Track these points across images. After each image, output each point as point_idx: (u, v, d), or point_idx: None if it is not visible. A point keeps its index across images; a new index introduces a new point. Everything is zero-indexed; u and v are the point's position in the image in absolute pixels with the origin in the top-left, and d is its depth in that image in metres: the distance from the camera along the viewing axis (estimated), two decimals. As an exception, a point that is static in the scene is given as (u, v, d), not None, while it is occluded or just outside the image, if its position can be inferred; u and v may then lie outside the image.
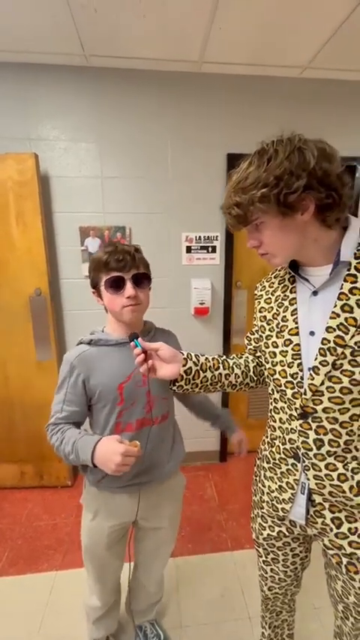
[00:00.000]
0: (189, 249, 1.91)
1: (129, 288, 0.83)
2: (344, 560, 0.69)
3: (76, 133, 1.73)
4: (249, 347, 0.88)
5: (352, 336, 0.60)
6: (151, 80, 1.71)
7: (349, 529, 0.68)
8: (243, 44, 1.53)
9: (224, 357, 0.84)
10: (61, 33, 1.44)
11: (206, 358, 0.80)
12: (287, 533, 0.81)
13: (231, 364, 0.83)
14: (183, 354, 0.76)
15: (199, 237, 1.90)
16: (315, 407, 0.65)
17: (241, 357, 0.87)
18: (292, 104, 1.80)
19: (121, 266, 0.83)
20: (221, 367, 0.80)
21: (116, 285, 0.83)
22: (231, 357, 0.85)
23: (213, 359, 0.81)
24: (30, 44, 1.52)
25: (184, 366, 0.74)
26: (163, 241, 1.89)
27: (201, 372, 0.77)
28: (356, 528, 0.67)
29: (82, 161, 1.76)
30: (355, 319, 0.60)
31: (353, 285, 0.61)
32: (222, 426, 1.09)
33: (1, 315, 1.79)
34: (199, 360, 0.77)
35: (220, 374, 0.80)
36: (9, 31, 1.43)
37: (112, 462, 0.73)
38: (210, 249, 1.92)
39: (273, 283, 0.79)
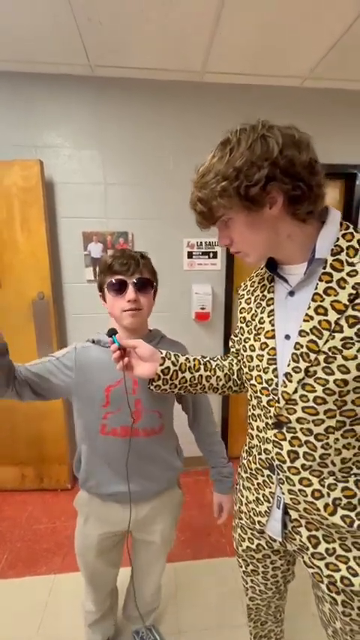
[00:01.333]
0: (190, 255, 1.93)
1: (130, 292, 0.83)
2: (325, 581, 0.63)
3: (80, 140, 1.76)
4: (232, 349, 0.84)
5: (326, 340, 0.54)
6: (154, 89, 1.74)
7: (327, 550, 0.62)
8: (244, 54, 1.56)
9: (207, 358, 0.80)
10: (67, 44, 1.48)
11: (187, 359, 0.76)
12: (266, 547, 0.77)
13: (213, 366, 0.79)
14: (162, 353, 0.73)
15: (201, 242, 1.92)
16: (289, 416, 0.60)
17: (225, 360, 0.83)
18: (293, 113, 1.83)
19: (125, 269, 0.83)
20: (202, 369, 0.77)
21: (118, 288, 0.84)
22: (215, 359, 0.81)
23: (194, 360, 0.77)
24: (37, 55, 1.56)
25: (161, 365, 0.71)
26: (164, 247, 1.91)
27: (179, 372, 0.73)
28: (334, 549, 0.61)
29: (86, 168, 1.79)
30: (329, 322, 0.54)
31: (328, 284, 0.55)
32: (213, 476, 1.02)
33: (4, 317, 1.82)
34: (177, 360, 0.74)
35: (201, 375, 0.76)
36: (17, 42, 1.47)
37: None
38: (211, 254, 1.94)
39: (254, 282, 0.74)
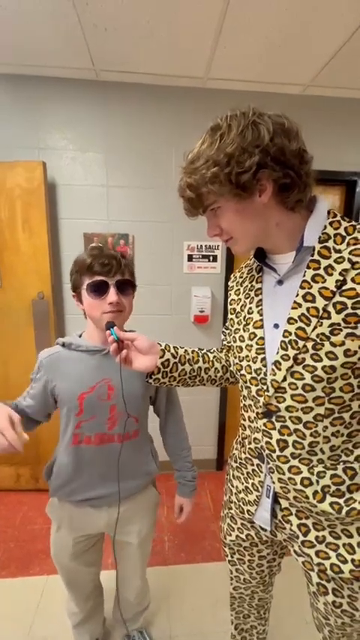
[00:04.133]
0: (190, 258, 1.94)
1: (112, 294, 0.78)
2: (315, 569, 0.64)
3: (84, 143, 1.78)
4: (224, 342, 0.84)
5: (314, 327, 0.54)
6: (157, 94, 1.76)
7: (317, 537, 0.62)
8: (247, 62, 1.58)
9: (204, 350, 0.80)
10: (72, 49, 1.51)
11: (185, 350, 0.75)
12: (255, 537, 0.77)
13: (211, 358, 0.78)
14: (161, 345, 0.72)
15: (201, 246, 1.93)
16: (278, 405, 0.60)
17: (221, 352, 0.83)
18: (294, 120, 1.84)
19: (106, 270, 0.78)
20: (201, 360, 0.76)
21: (99, 289, 0.79)
22: (211, 351, 0.81)
23: (193, 352, 0.76)
24: (43, 59, 1.58)
25: (161, 357, 0.70)
26: (165, 249, 1.92)
27: (179, 364, 0.72)
28: (324, 537, 0.61)
29: (89, 170, 1.81)
30: (317, 309, 0.54)
31: (316, 272, 0.55)
32: (177, 479, 1.01)
33: (4, 317, 1.83)
34: (177, 352, 0.73)
35: (200, 367, 0.75)
36: (24, 46, 1.50)
37: None
38: (211, 258, 1.95)
39: (243, 273, 0.74)
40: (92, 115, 1.76)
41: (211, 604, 1.36)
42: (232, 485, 0.79)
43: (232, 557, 0.84)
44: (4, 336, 1.85)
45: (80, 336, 0.91)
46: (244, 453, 0.73)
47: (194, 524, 1.76)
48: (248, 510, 0.72)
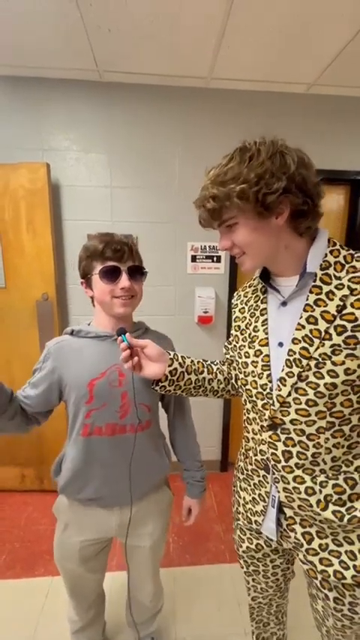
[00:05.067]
0: (194, 258, 1.94)
1: (124, 279, 0.79)
2: (319, 577, 0.66)
3: (87, 144, 1.79)
4: (226, 356, 0.87)
5: (317, 348, 0.59)
6: (161, 94, 1.76)
7: (320, 545, 0.65)
8: (251, 61, 1.57)
9: (209, 361, 0.83)
10: (76, 50, 1.51)
11: (192, 361, 0.78)
12: (265, 546, 0.79)
13: (214, 369, 0.82)
14: (170, 354, 0.75)
15: (205, 246, 1.93)
16: (283, 418, 0.64)
17: (223, 364, 0.86)
18: (298, 120, 1.84)
19: (119, 256, 0.79)
20: (205, 371, 0.79)
21: (111, 275, 0.79)
22: (215, 363, 0.85)
23: (198, 362, 0.80)
24: (46, 60, 1.58)
25: (169, 366, 0.73)
26: (168, 250, 1.92)
27: (186, 374, 0.75)
28: (327, 545, 0.64)
29: (92, 171, 1.81)
30: (319, 331, 0.59)
31: (318, 296, 0.60)
32: (186, 479, 0.99)
33: (9, 318, 1.83)
34: (184, 362, 0.76)
35: (204, 378, 0.79)
36: (27, 48, 1.50)
37: None
38: (215, 258, 1.95)
39: (247, 293, 0.78)
40: (95, 115, 1.76)
41: (217, 606, 1.36)
42: (240, 497, 0.80)
43: (247, 568, 0.86)
44: (8, 337, 1.85)
45: (88, 324, 0.90)
46: (251, 465, 0.75)
47: (199, 525, 1.76)
48: (256, 521, 0.75)
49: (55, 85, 1.71)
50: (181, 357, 0.77)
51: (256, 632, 1.00)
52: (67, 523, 0.90)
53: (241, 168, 0.57)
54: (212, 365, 0.82)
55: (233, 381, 0.83)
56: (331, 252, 0.61)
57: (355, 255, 0.60)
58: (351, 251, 0.61)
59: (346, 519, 0.61)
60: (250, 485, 0.76)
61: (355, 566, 0.62)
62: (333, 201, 2.01)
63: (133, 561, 0.99)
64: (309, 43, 1.45)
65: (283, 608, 0.96)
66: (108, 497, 0.86)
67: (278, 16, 1.29)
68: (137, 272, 0.84)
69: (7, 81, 1.70)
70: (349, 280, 0.58)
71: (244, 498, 0.79)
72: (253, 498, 0.75)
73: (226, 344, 0.88)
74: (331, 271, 0.60)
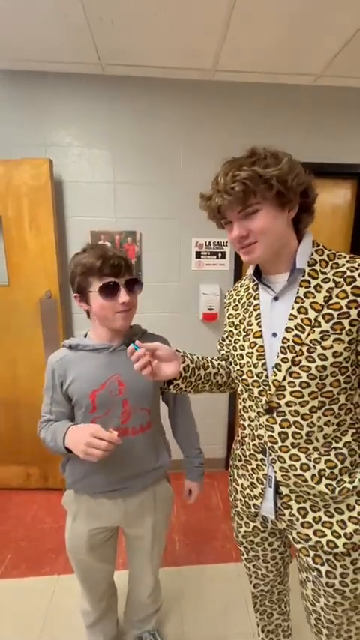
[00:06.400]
0: (199, 255, 1.91)
1: (123, 294, 0.82)
2: (311, 553, 0.72)
3: (90, 139, 1.76)
4: (221, 352, 0.91)
5: (308, 334, 0.66)
6: (164, 88, 1.73)
7: (314, 518, 0.71)
8: (256, 53, 1.54)
9: (209, 357, 0.87)
10: (78, 44, 1.48)
11: (198, 357, 0.82)
12: (262, 528, 0.84)
13: (217, 364, 0.86)
14: (180, 352, 0.78)
15: (209, 242, 1.90)
16: (279, 401, 0.70)
17: (222, 360, 0.90)
18: (305, 112, 1.80)
19: (116, 271, 0.81)
20: (210, 367, 0.84)
21: (111, 291, 0.81)
22: (215, 359, 0.89)
23: (203, 358, 0.83)
24: (48, 54, 1.56)
25: (182, 363, 0.75)
26: (173, 246, 1.90)
27: (196, 369, 0.79)
28: (320, 517, 0.71)
29: (95, 167, 1.79)
30: (309, 319, 0.66)
31: (307, 289, 0.67)
32: (185, 465, 1.06)
33: (12, 315, 1.82)
34: (194, 359, 0.80)
35: (210, 373, 0.83)
36: (28, 42, 1.48)
37: (82, 443, 0.72)
38: (219, 254, 1.92)
39: (239, 292, 0.84)
40: (98, 110, 1.74)
41: (224, 606, 1.34)
42: (238, 484, 0.85)
43: (247, 554, 0.91)
44: (12, 335, 1.84)
45: (85, 336, 0.93)
46: (249, 450, 0.80)
47: (205, 524, 1.75)
48: (254, 504, 0.80)
49: (56, 80, 1.69)
50: (189, 354, 0.80)
51: (261, 624, 1.04)
52: (75, 513, 0.95)
53: (271, 160, 0.62)
54: (214, 361, 0.87)
55: (232, 374, 0.87)
56: (316, 251, 0.69)
57: (337, 254, 0.69)
58: (333, 250, 0.70)
59: (337, 491, 0.68)
60: (247, 471, 0.81)
61: (345, 534, 0.68)
62: (340, 196, 1.97)
63: (135, 553, 1.05)
64: (316, 33, 1.41)
65: (285, 597, 1.01)
66: (112, 491, 0.91)
67: (284, 6, 1.26)
68: (134, 284, 0.86)
69: (7, 75, 1.68)
70: (333, 275, 0.66)
71: (242, 485, 0.84)
72: (252, 483, 0.80)
73: (219, 341, 0.92)
74: (317, 267, 0.68)
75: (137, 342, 0.71)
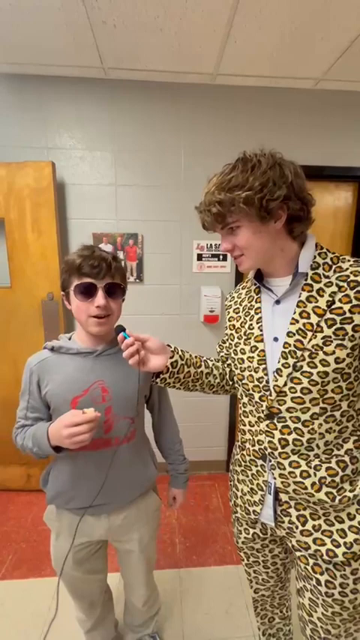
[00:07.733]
0: (200, 257, 1.92)
1: (99, 298, 0.77)
2: (310, 562, 0.70)
3: (92, 142, 1.77)
4: (220, 354, 0.91)
5: (310, 339, 0.64)
6: (166, 91, 1.74)
7: (313, 526, 0.69)
8: (257, 57, 1.55)
9: (205, 357, 0.86)
10: (81, 47, 1.49)
11: (190, 354, 0.81)
12: (262, 535, 0.83)
13: (210, 365, 0.85)
14: (170, 347, 0.77)
15: (211, 245, 1.91)
16: (280, 407, 0.69)
17: (218, 361, 0.89)
18: (306, 115, 1.81)
19: (95, 272, 0.77)
20: (203, 366, 0.82)
21: (86, 292, 0.77)
22: (211, 359, 0.88)
23: (196, 357, 0.82)
24: (50, 58, 1.57)
25: (171, 358, 0.75)
26: (174, 248, 1.90)
27: (185, 366, 0.78)
28: (319, 525, 0.69)
29: (97, 169, 1.80)
30: (311, 324, 0.64)
31: (309, 293, 0.66)
32: (170, 472, 1.03)
33: (14, 317, 1.83)
34: (184, 355, 0.79)
35: (202, 372, 0.82)
36: (31, 45, 1.49)
37: (63, 435, 0.69)
38: (221, 257, 1.93)
39: (241, 294, 0.83)
40: (100, 113, 1.75)
41: (225, 609, 1.34)
42: (237, 489, 0.84)
43: (248, 560, 0.90)
44: (14, 337, 1.85)
45: (70, 339, 0.89)
46: (249, 456, 0.78)
47: (205, 526, 1.74)
48: (254, 511, 0.78)
49: (59, 83, 1.70)
50: (180, 350, 0.79)
51: (262, 628, 1.03)
52: (58, 532, 0.90)
53: (245, 176, 0.61)
54: (208, 360, 0.86)
55: (228, 377, 0.87)
56: (319, 254, 0.68)
57: (340, 257, 0.67)
58: (336, 253, 0.68)
59: (337, 500, 0.66)
60: (247, 477, 0.79)
61: (345, 544, 0.66)
62: (341, 199, 1.98)
63: (125, 566, 1.02)
64: (317, 37, 1.42)
65: (286, 602, 1.00)
66: (95, 507, 0.86)
67: (286, 10, 1.27)
68: (116, 289, 0.81)
69: (11, 79, 1.69)
70: (336, 279, 0.64)
71: (241, 490, 0.82)
72: (252, 489, 0.78)
73: (220, 343, 0.92)
74: (320, 271, 0.66)
75: (127, 331, 0.71)
